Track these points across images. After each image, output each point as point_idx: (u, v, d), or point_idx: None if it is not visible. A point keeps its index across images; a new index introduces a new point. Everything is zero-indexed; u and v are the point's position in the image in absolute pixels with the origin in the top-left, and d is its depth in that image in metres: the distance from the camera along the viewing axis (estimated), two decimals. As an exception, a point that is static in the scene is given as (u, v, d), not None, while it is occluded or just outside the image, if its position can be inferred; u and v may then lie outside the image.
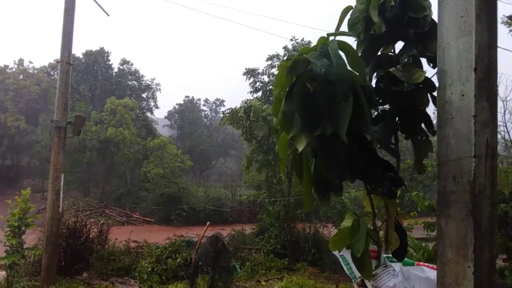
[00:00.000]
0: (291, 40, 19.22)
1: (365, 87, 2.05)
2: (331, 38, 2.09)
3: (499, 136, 11.82)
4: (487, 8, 1.84)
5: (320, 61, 1.90)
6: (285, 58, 19.15)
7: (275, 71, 19.67)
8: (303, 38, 19.11)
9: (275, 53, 20.36)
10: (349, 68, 1.98)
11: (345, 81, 1.90)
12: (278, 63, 19.51)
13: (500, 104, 10.69)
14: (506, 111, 11.30)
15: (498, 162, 2.00)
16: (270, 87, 18.95)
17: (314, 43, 2.12)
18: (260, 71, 20.83)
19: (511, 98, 11.75)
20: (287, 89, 2.01)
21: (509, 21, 11.95)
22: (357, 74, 2.00)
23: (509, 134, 11.91)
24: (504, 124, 11.31)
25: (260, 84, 20.34)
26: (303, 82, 1.98)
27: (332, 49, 1.93)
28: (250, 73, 20.76)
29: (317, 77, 1.90)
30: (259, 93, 20.15)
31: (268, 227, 16.69)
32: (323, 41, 2.05)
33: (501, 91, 11.68)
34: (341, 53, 1.97)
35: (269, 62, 20.36)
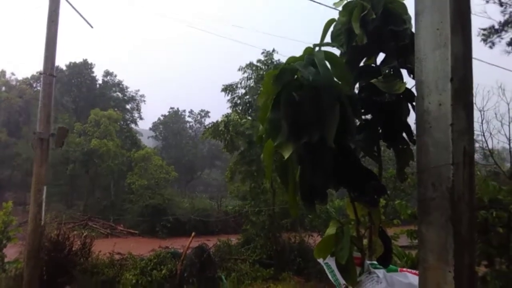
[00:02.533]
0: (262, 53, 19.56)
1: (350, 96, 2.10)
2: (317, 48, 2.14)
3: (477, 145, 12.09)
4: (462, 21, 1.91)
5: (307, 70, 1.95)
6: (261, 68, 19.37)
7: (251, 82, 19.85)
8: (273, 49, 19.44)
9: (249, 62, 20.37)
10: (334, 78, 2.03)
11: (332, 90, 1.95)
12: (254, 74, 19.64)
13: (477, 114, 10.95)
14: (484, 121, 11.58)
15: (476, 170, 2.07)
16: (248, 100, 19.18)
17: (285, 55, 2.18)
18: (238, 85, 20.92)
19: (488, 108, 12.07)
20: (274, 97, 2.05)
21: (484, 33, 12.32)
22: (343, 83, 2.05)
23: (487, 143, 12.18)
24: (482, 134, 11.58)
25: (238, 100, 20.43)
26: (290, 90, 2.02)
27: (318, 59, 1.98)
28: (228, 88, 20.89)
29: (304, 85, 1.95)
30: (239, 107, 20.23)
31: (253, 237, 16.65)
32: (310, 51, 2.10)
33: (479, 101, 11.99)
34: (327, 62, 2.02)
35: (244, 74, 20.38)
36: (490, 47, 12.47)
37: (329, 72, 1.97)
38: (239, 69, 20.10)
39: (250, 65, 19.85)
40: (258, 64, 19.63)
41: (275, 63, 18.94)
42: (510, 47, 12.57)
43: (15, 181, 42.56)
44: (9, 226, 9.53)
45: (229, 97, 20.63)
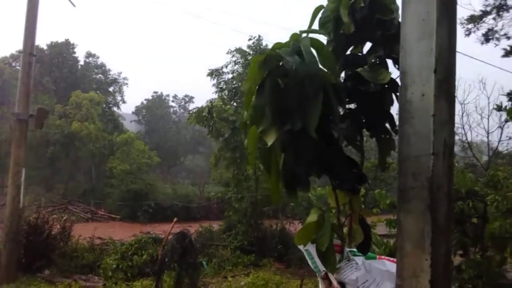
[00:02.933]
0: (250, 39, 19.40)
1: (335, 85, 2.10)
2: (304, 35, 2.12)
3: (457, 137, 12.34)
4: (448, 12, 1.91)
5: (292, 58, 1.94)
6: (249, 54, 19.20)
7: (238, 67, 19.65)
8: (259, 36, 19.31)
9: (238, 47, 20.15)
10: (320, 65, 2.02)
11: (316, 78, 1.95)
12: (242, 59, 19.44)
13: (458, 107, 11.18)
14: (464, 114, 11.80)
15: (455, 161, 2.10)
16: (235, 85, 18.97)
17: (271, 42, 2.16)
18: (225, 70, 20.67)
19: (469, 101, 12.29)
20: (259, 83, 2.04)
21: (465, 22, 12.44)
22: (328, 71, 2.04)
23: (466, 136, 12.43)
24: (462, 126, 11.81)
25: (224, 85, 20.18)
26: (275, 77, 2.01)
27: (304, 46, 1.97)
28: (214, 73, 20.62)
29: (289, 73, 1.94)
30: (225, 92, 20.02)
31: (235, 224, 16.74)
32: (296, 37, 2.09)
33: (460, 94, 12.20)
34: (313, 50, 2.01)
35: (232, 58, 20.13)
36: (466, 34, 12.61)
37: (314, 60, 1.96)
38: (227, 52, 19.83)
39: (238, 50, 19.64)
40: (247, 50, 19.43)
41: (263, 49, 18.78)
42: (484, 37, 12.71)
43: (-8, 163, 41.68)
44: (-14, 208, 9.36)
45: (214, 81, 20.39)
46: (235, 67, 19.70)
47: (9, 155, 11.31)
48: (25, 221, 11.42)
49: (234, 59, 19.76)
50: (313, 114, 1.90)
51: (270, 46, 2.30)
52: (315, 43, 2.05)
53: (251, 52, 19.16)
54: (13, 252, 10.29)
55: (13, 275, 10.22)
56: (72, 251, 12.17)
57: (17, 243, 10.52)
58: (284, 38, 2.21)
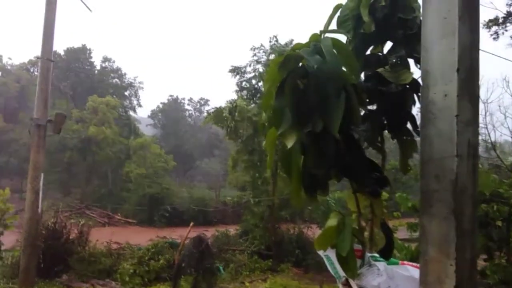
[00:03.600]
0: (270, 41, 19.37)
1: (356, 85, 2.06)
2: (324, 35, 2.09)
3: (480, 138, 12.06)
4: (470, 10, 1.86)
5: (313, 58, 1.91)
6: (270, 52, 19.15)
7: (260, 67, 19.60)
8: (274, 36, 19.26)
9: (260, 45, 20.13)
10: (341, 66, 1.98)
11: (338, 79, 1.91)
12: (265, 57, 19.40)
13: (481, 106, 10.93)
14: (487, 113, 11.55)
15: (479, 163, 2.04)
16: (256, 85, 18.88)
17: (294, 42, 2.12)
18: (246, 69, 20.65)
19: (492, 100, 12.01)
20: (278, 84, 2.01)
21: (489, 24, 12.26)
22: (349, 72, 2.00)
23: (490, 136, 12.15)
24: (485, 126, 11.55)
25: (246, 84, 20.14)
26: (295, 78, 1.98)
27: (325, 46, 1.94)
28: (236, 70, 20.57)
29: (309, 73, 1.91)
30: (244, 92, 20.00)
31: (252, 228, 16.68)
32: (316, 37, 2.06)
33: (483, 93, 11.93)
34: (334, 50, 1.97)
35: (253, 56, 20.10)
36: (494, 38, 12.42)
37: (335, 60, 1.92)
38: (251, 49, 19.88)
39: (261, 48, 19.68)
40: (269, 48, 19.43)
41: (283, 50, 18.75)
42: None
43: (11, 168, 42.53)
44: (6, 213, 9.51)
45: (236, 80, 20.37)
46: (257, 66, 19.71)
47: (28, 160, 11.49)
48: (43, 225, 11.58)
49: (255, 58, 19.80)
50: (335, 115, 1.86)
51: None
52: (336, 43, 2.01)
53: (272, 52, 19.17)
54: (32, 257, 10.42)
55: (31, 280, 10.34)
56: (90, 255, 12.28)
57: (36, 248, 10.66)
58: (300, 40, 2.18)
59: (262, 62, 19.48)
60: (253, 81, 19.31)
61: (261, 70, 19.40)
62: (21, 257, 10.37)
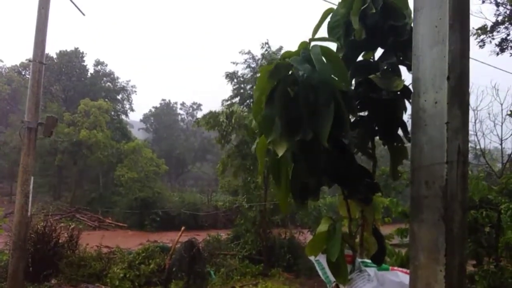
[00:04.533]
0: (262, 47, 19.45)
1: (345, 93, 2.07)
2: (313, 43, 2.10)
3: (470, 145, 12.19)
4: (461, 18, 1.88)
5: (302, 66, 1.92)
6: (259, 58, 19.27)
7: (248, 72, 19.70)
8: (266, 43, 19.37)
9: (248, 51, 20.18)
10: (331, 74, 1.99)
11: (327, 87, 1.92)
12: (254, 64, 19.49)
13: (471, 114, 11.06)
14: (477, 121, 11.67)
15: (468, 169, 2.06)
16: (249, 91, 18.92)
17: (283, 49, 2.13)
18: (239, 74, 20.68)
19: (481, 107, 12.14)
20: (268, 92, 2.02)
21: (479, 31, 12.46)
22: (339, 80, 2.02)
23: (479, 143, 12.28)
24: (475, 133, 11.68)
25: (241, 90, 20.16)
26: (285, 86, 1.98)
27: (314, 54, 1.95)
28: (231, 76, 20.61)
29: (299, 82, 1.91)
30: (238, 98, 20.03)
31: (243, 233, 16.66)
32: (305, 45, 2.06)
33: (472, 101, 12.08)
34: (323, 58, 1.98)
35: (244, 62, 20.13)
36: (481, 46, 12.63)
37: (325, 68, 1.93)
38: (240, 52, 19.94)
39: (249, 53, 19.77)
40: (259, 55, 19.54)
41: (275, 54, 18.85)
42: (499, 48, 12.73)
43: (1, 171, 42.02)
44: (-5, 216, 9.41)
45: (231, 85, 20.36)
46: (246, 71, 19.79)
47: (18, 163, 11.38)
48: (33, 229, 11.47)
49: (246, 64, 19.89)
50: (324, 124, 1.87)
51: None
52: (325, 51, 2.02)
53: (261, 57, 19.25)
54: (21, 261, 10.28)
55: (20, 284, 10.20)
56: (80, 259, 12.19)
57: (25, 252, 10.53)
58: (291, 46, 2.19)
59: (251, 67, 19.59)
60: (248, 87, 19.33)
61: (249, 75, 19.49)
62: (9, 261, 10.24)
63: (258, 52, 20.10)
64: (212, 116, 17.14)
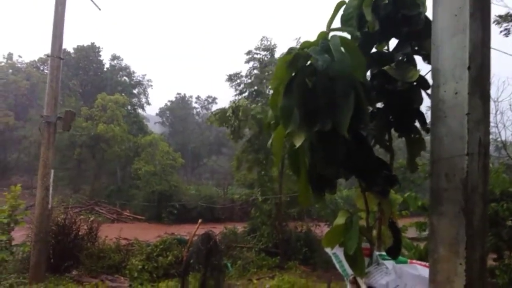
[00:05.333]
0: (262, 40, 19.50)
1: (364, 83, 2.04)
2: (332, 33, 2.08)
3: (490, 137, 11.91)
4: (481, 6, 1.84)
5: (321, 56, 1.90)
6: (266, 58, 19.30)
7: (256, 72, 19.71)
8: (264, 37, 19.35)
9: (248, 50, 20.19)
10: (349, 64, 1.97)
11: (347, 77, 1.90)
12: (257, 63, 19.54)
13: (492, 105, 10.80)
14: (498, 112, 11.40)
15: (489, 161, 2.02)
16: (256, 87, 19.02)
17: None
18: (243, 73, 20.81)
19: (502, 98, 11.85)
20: (286, 83, 2.01)
21: (499, 19, 12.13)
22: (357, 70, 1.99)
23: (500, 135, 12.01)
24: (496, 125, 11.42)
25: (244, 89, 20.26)
26: (303, 76, 1.97)
27: (333, 45, 1.92)
28: (233, 77, 20.81)
29: (318, 72, 1.90)
30: (245, 94, 20.10)
31: (259, 226, 16.71)
32: (324, 36, 2.05)
33: (493, 92, 11.79)
34: (342, 48, 1.96)
35: (251, 61, 20.13)
36: (505, 35, 12.27)
37: (344, 59, 1.91)
38: (245, 53, 19.96)
39: (249, 53, 19.80)
40: (261, 52, 19.55)
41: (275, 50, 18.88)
42: None
43: (22, 165, 42.98)
44: (17, 209, 9.63)
45: (233, 86, 20.52)
46: (254, 71, 19.84)
47: (38, 157, 11.61)
48: (53, 221, 11.70)
49: (251, 63, 19.94)
50: (344, 114, 1.85)
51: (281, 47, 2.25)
52: (344, 41, 1.99)
53: (264, 54, 19.27)
54: (42, 252, 10.54)
55: (42, 275, 10.47)
56: (99, 251, 12.39)
57: (46, 243, 10.78)
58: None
59: (257, 67, 19.61)
60: (254, 87, 19.37)
61: (257, 73, 19.50)
62: (31, 252, 10.50)
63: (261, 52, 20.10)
64: (220, 113, 17.32)
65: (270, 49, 19.21)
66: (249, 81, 20.09)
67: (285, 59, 2.01)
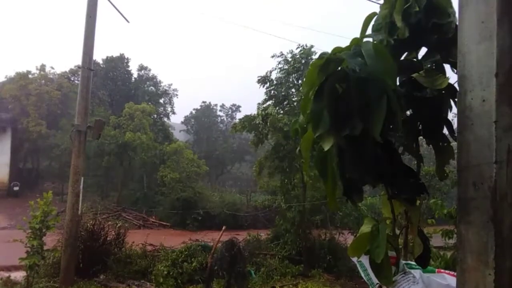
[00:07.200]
0: (297, 48, 19.23)
1: (395, 90, 2.06)
2: (364, 39, 2.11)
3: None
4: (509, 13, 1.83)
5: (354, 60, 1.93)
6: (291, 60, 19.05)
7: (282, 75, 19.54)
8: (299, 44, 19.15)
9: (280, 53, 20.07)
10: (381, 70, 1.99)
11: (379, 82, 1.92)
12: (286, 66, 19.33)
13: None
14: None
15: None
16: (283, 93, 18.86)
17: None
18: (272, 77, 20.64)
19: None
20: (317, 87, 2.03)
21: None
22: (388, 76, 2.01)
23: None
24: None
25: (274, 92, 20.08)
26: (334, 81, 1.99)
27: (366, 50, 1.95)
28: (262, 80, 20.67)
29: (350, 76, 1.92)
30: (273, 100, 19.95)
31: (283, 233, 16.63)
32: (356, 41, 2.08)
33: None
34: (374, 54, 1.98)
35: (278, 64, 20.00)
36: None
37: (376, 64, 1.92)
38: (272, 56, 19.83)
39: (281, 55, 19.62)
40: (293, 58, 19.33)
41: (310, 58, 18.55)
42: None
43: (53, 172, 44.06)
44: (49, 215, 9.93)
45: (264, 88, 20.35)
46: (279, 75, 19.65)
47: (68, 164, 11.94)
48: (83, 227, 11.98)
49: (280, 66, 19.75)
50: (377, 119, 1.86)
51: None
52: (376, 47, 2.01)
53: (295, 60, 19.03)
54: (72, 257, 10.81)
55: (71, 279, 10.74)
56: (126, 257, 12.59)
57: (76, 248, 11.06)
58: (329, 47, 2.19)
59: (285, 70, 19.39)
60: (282, 90, 19.17)
61: (282, 77, 19.29)
62: (61, 257, 10.79)
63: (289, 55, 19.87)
64: (247, 120, 17.28)
65: (306, 55, 18.94)
66: (276, 83, 19.92)
67: (317, 63, 2.04)
